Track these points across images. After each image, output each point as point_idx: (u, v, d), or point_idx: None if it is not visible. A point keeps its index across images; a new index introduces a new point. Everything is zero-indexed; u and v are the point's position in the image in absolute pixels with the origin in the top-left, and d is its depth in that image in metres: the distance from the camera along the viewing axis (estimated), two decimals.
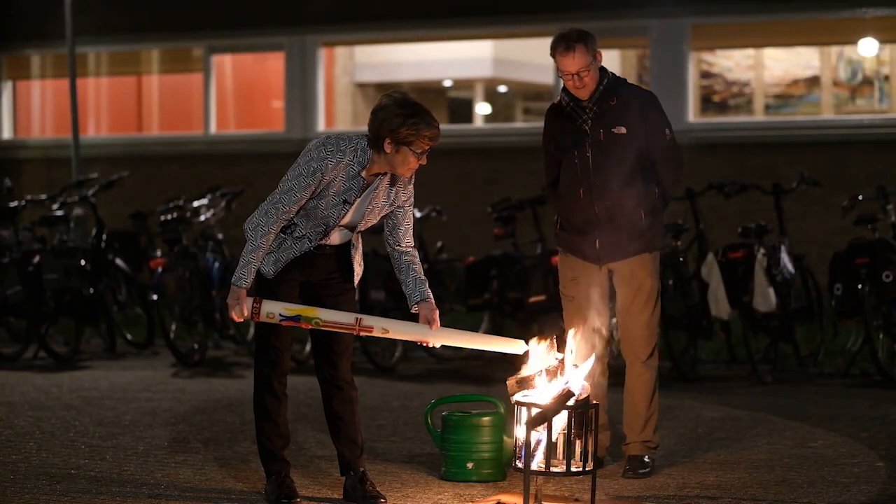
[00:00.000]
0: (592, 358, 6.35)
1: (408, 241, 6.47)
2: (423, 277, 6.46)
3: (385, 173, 6.29)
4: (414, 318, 6.41)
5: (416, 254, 6.50)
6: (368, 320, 6.33)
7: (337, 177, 6.20)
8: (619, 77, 7.22)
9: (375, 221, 6.41)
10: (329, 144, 6.22)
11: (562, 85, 7.19)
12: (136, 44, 17.54)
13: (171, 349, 11.74)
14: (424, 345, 6.44)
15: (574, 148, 7.13)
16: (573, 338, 6.22)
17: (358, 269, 6.47)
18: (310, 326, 6.27)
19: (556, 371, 6.09)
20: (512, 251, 12.01)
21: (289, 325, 6.27)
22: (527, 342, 6.24)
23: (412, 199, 6.45)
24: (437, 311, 6.38)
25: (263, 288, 6.29)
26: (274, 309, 6.21)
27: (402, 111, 6.14)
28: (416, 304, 6.40)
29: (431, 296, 6.42)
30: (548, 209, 12.14)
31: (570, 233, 7.26)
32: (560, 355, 6.11)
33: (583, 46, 6.99)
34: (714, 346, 11.78)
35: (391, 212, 6.41)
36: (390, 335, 6.49)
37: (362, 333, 6.32)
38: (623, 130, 7.09)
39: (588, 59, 7.00)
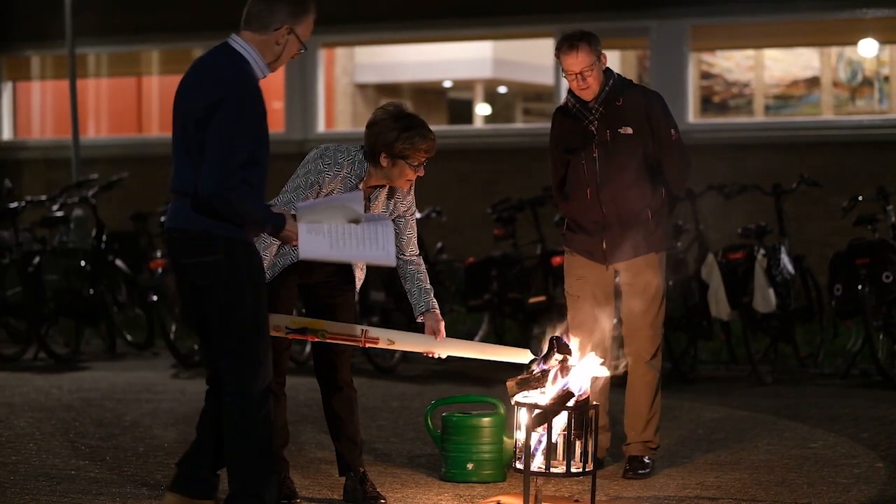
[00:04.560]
0: (593, 359, 6.36)
1: (412, 249, 6.47)
2: (429, 287, 6.46)
3: (383, 185, 6.29)
4: (419, 327, 6.42)
5: (421, 262, 6.50)
6: (374, 332, 6.34)
7: (335, 189, 6.21)
8: (624, 78, 7.24)
9: None
10: (327, 157, 6.22)
11: (567, 87, 7.20)
12: (135, 45, 17.54)
13: (171, 350, 11.73)
14: (430, 356, 6.43)
15: (581, 149, 7.15)
16: (575, 338, 6.23)
17: (360, 275, 6.47)
18: (316, 339, 6.29)
19: (556, 372, 6.10)
20: (512, 252, 12.01)
21: (295, 337, 6.28)
22: (532, 351, 6.26)
23: (413, 208, 6.45)
24: (443, 322, 6.39)
25: None
26: (280, 322, 6.23)
27: (396, 125, 6.14)
28: (422, 314, 6.41)
29: (437, 306, 6.43)
30: (548, 210, 12.15)
31: (577, 233, 7.28)
32: (561, 356, 6.11)
33: (586, 46, 7.01)
34: (714, 346, 11.78)
35: (392, 221, 6.41)
36: (396, 346, 6.52)
37: (368, 345, 6.34)
38: (629, 131, 7.11)
39: (591, 58, 7.01)
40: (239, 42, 5.55)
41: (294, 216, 5.59)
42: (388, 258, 5.73)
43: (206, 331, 5.64)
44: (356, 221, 5.66)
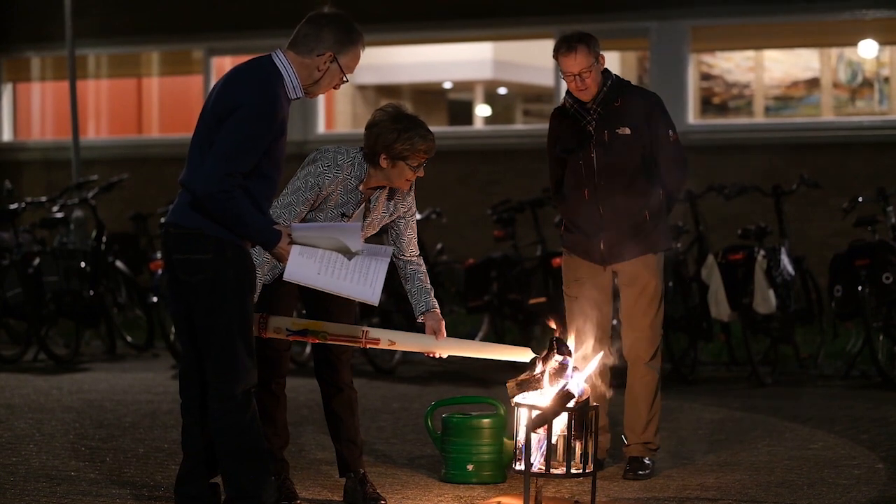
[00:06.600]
0: (595, 360, 6.36)
1: (412, 250, 6.47)
2: (429, 286, 6.46)
3: (383, 186, 6.30)
4: (419, 328, 6.42)
5: (422, 262, 6.51)
6: (375, 332, 6.34)
7: (335, 191, 6.21)
8: (622, 79, 7.24)
9: (374, 232, 6.42)
10: (327, 159, 6.23)
11: (565, 88, 7.20)
12: (136, 46, 17.54)
13: (171, 351, 11.74)
14: (430, 356, 6.43)
15: (579, 149, 7.15)
16: (575, 339, 6.23)
17: None
18: (317, 340, 6.29)
19: (556, 373, 6.09)
20: (512, 253, 12.00)
21: (296, 339, 6.28)
22: (533, 350, 6.26)
23: (413, 208, 6.45)
24: (444, 322, 6.39)
25: (263, 293, 6.29)
26: (281, 324, 6.22)
27: (396, 126, 6.14)
28: (422, 314, 6.41)
29: (437, 306, 6.43)
30: (548, 211, 12.15)
31: (574, 234, 7.28)
32: (560, 357, 6.11)
33: (585, 48, 7.01)
34: (714, 347, 11.78)
35: (393, 222, 6.42)
36: (396, 347, 6.51)
37: (368, 346, 6.33)
38: (627, 131, 7.11)
39: (590, 60, 7.02)
40: (280, 58, 5.58)
41: (291, 237, 5.58)
42: (372, 297, 5.78)
43: (190, 330, 5.64)
44: (352, 253, 5.67)
